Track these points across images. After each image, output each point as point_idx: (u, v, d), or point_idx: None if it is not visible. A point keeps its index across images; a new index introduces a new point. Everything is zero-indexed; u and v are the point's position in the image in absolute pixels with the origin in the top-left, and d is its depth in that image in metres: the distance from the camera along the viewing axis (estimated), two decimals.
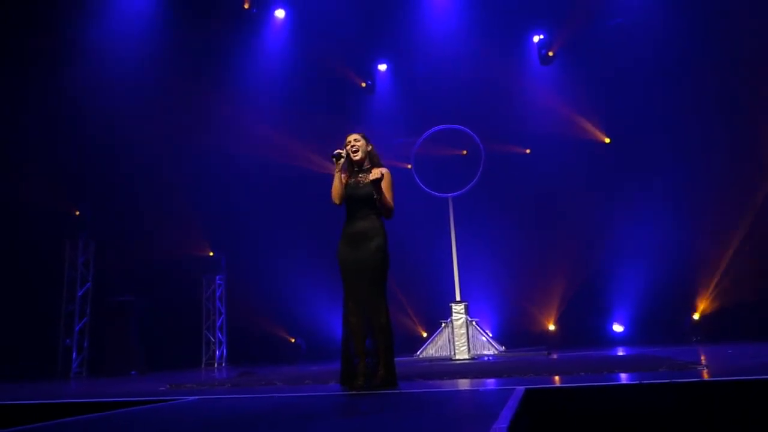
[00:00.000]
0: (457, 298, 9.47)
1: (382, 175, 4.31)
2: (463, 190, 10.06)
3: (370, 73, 13.79)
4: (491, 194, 11.91)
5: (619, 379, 4.22)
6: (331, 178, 4.47)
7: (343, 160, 4.44)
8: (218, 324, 12.71)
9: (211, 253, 12.83)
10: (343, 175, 4.45)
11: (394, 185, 4.51)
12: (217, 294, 12.83)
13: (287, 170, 12.77)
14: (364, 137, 4.57)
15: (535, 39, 12.86)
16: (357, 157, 4.47)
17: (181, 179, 11.97)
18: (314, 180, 12.10)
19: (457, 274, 9.65)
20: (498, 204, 12.22)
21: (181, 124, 11.90)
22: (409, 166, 10.67)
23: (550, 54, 12.53)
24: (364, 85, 13.59)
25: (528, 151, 12.81)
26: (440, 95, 12.40)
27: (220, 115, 12.46)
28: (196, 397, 4.26)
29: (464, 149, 12.33)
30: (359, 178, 4.44)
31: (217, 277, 12.83)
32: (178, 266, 12.08)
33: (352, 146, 4.49)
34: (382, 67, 13.78)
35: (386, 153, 4.74)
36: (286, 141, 12.60)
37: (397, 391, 4.06)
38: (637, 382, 3.60)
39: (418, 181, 10.33)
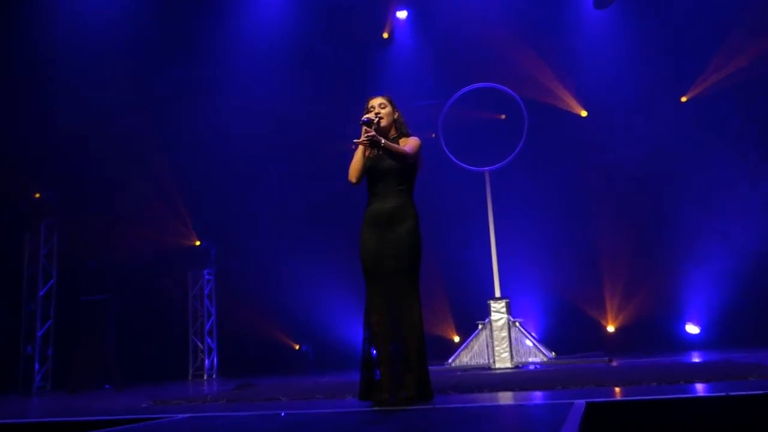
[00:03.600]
0: (497, 294, 9.47)
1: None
2: (503, 162, 10.01)
3: (387, 23, 13.66)
4: (537, 168, 11.83)
5: (699, 390, 4.20)
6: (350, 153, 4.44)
7: (373, 127, 4.36)
8: (207, 328, 12.83)
9: (198, 243, 12.93)
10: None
11: (423, 159, 4.54)
12: (206, 291, 12.93)
13: (289, 143, 12.75)
14: (390, 102, 4.57)
15: None
16: (381, 125, 4.46)
17: (163, 156, 12.05)
18: (322, 153, 12.09)
19: (496, 265, 9.64)
20: (545, 180, 12.12)
21: (162, 93, 11.95)
22: (434, 135, 10.59)
23: None
24: (386, 35, 13.41)
25: (584, 114, 12.64)
26: (472, 47, 12.25)
27: (210, 79, 12.43)
28: (187, 415, 4.30)
29: (503, 113, 12.22)
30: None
31: (206, 272, 12.92)
32: (159, 258, 12.24)
33: (377, 113, 4.47)
34: (402, 14, 13.61)
35: (407, 119, 4.70)
36: (287, 107, 12.53)
37: (431, 406, 4.06)
38: (724, 394, 3.59)
39: (448, 152, 10.28)
